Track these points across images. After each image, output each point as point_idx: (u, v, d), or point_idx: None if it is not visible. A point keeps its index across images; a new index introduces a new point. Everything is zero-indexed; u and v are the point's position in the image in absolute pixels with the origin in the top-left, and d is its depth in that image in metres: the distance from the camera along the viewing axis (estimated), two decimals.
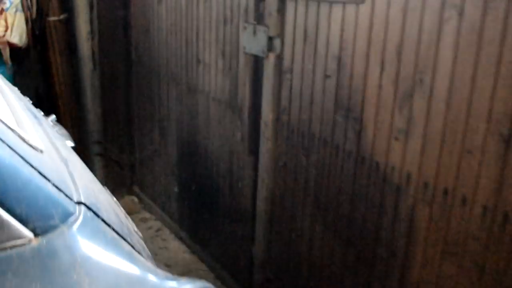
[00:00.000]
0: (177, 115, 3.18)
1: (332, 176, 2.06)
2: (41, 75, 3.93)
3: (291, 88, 2.17)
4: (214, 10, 2.61)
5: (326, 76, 1.99)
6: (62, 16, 3.74)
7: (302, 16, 2.04)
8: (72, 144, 1.86)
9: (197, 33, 2.79)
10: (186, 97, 3.03)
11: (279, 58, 2.20)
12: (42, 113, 1.90)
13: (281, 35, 2.17)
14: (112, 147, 3.88)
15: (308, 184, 2.19)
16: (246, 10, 2.36)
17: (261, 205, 2.50)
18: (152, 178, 3.72)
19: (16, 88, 2.19)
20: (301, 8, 2.04)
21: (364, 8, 1.80)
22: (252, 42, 2.33)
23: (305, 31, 2.04)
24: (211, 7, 2.62)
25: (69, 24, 3.85)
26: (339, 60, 1.92)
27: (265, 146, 2.38)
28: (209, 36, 2.69)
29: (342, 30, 1.89)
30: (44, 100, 4.00)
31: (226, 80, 2.61)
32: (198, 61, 2.83)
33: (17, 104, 1.39)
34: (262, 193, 2.47)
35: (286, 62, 2.17)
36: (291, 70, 2.15)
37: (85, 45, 3.72)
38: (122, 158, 3.90)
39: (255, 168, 2.51)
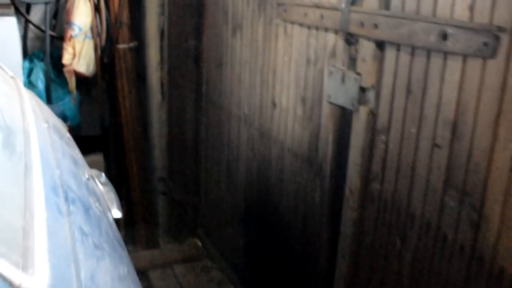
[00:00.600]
0: (247, 161, 2.84)
1: (435, 270, 1.61)
2: (108, 105, 3.74)
3: (386, 152, 1.75)
4: (295, 48, 2.25)
5: (435, 145, 1.55)
6: (132, 44, 3.53)
7: (406, 67, 1.63)
8: (119, 215, 1.55)
9: (274, 73, 2.44)
10: (258, 143, 2.68)
11: (373, 114, 1.80)
12: (87, 175, 1.59)
13: (377, 86, 1.77)
14: (176, 186, 3.60)
15: (401, 273, 1.76)
16: (334, 52, 1.98)
17: (339, 286, 2.08)
18: (217, 224, 3.40)
19: (67, 137, 1.93)
20: (404, 57, 1.63)
21: (494, 64, 1.36)
22: (339, 90, 1.94)
23: (409, 86, 1.62)
24: (292, 45, 2.26)
25: (138, 53, 3.64)
26: (454, 127, 1.49)
27: (349, 216, 1.97)
28: (288, 77, 2.32)
29: (460, 89, 1.46)
30: (109, 132, 3.80)
31: (305, 131, 2.23)
32: (274, 104, 2.47)
33: (43, 183, 1.10)
34: (342, 270, 2.05)
35: (382, 120, 1.76)
36: (387, 131, 1.74)
37: (154, 75, 3.49)
38: (186, 198, 3.61)
39: (335, 239, 2.10)
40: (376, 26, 1.69)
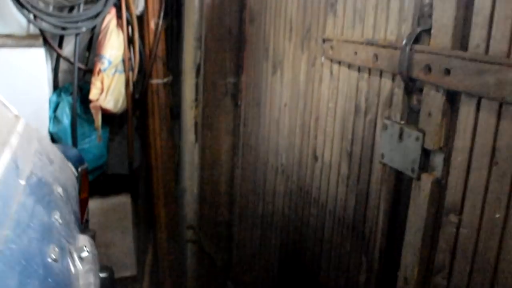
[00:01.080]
0: (283, 217, 2.44)
1: None
2: (139, 143, 3.46)
3: (456, 239, 1.31)
4: (342, 93, 1.86)
5: None
6: (166, 79, 3.25)
7: (490, 128, 1.20)
8: None
9: (317, 120, 2.05)
10: (296, 199, 2.28)
11: (440, 186, 1.37)
12: (55, 254, 1.23)
13: (446, 150, 1.34)
14: (207, 236, 3.23)
15: None
16: (390, 101, 1.57)
17: None
18: (248, 282, 2.99)
19: (55, 195, 1.60)
20: (488, 114, 1.20)
21: None
22: (395, 150, 1.52)
23: (493, 153, 1.19)
24: (338, 89, 1.88)
25: (172, 89, 3.36)
26: None
27: None
28: (332, 127, 1.93)
29: None
30: (139, 171, 3.51)
31: (351, 193, 1.82)
32: (315, 157, 2.08)
33: None
34: None
35: (452, 196, 1.32)
36: (459, 211, 1.30)
37: (188, 113, 3.18)
38: (216, 250, 3.23)
39: None
40: (447, 71, 1.28)
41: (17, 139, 1.77)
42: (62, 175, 1.94)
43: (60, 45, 3.33)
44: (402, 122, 1.50)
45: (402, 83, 1.48)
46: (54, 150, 2.17)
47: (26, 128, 2.08)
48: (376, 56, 1.60)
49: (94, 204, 3.36)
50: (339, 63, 1.85)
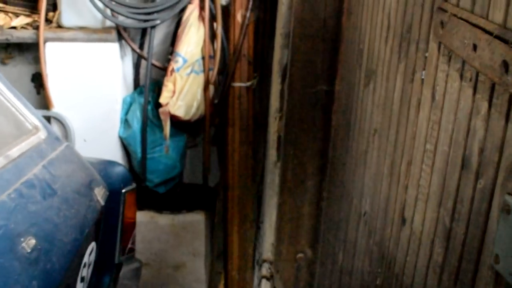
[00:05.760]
0: (362, 281, 1.79)
1: None
2: (218, 158, 3.00)
3: None
4: (445, 132, 1.17)
5: None
6: (250, 82, 2.73)
7: None
8: None
9: (409, 165, 1.38)
10: (376, 267, 1.62)
11: None
12: None
13: None
14: (283, 274, 2.66)
15: None
16: None
17: None
18: None
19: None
20: None
21: None
22: None
23: None
24: (441, 124, 1.19)
25: (260, 94, 2.83)
26: None
27: None
28: (428, 181, 1.25)
29: None
30: (217, 186, 3.06)
31: None
32: (403, 219, 1.41)
33: None
34: None
35: None
36: None
37: (271, 126, 2.63)
38: None
39: None
40: None
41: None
42: (61, 214, 1.52)
43: (143, 38, 2.99)
44: None
45: None
46: (75, 174, 1.78)
47: (40, 145, 1.70)
48: (506, 65, 0.90)
49: (164, 220, 2.99)
50: (449, 59, 1.15)
